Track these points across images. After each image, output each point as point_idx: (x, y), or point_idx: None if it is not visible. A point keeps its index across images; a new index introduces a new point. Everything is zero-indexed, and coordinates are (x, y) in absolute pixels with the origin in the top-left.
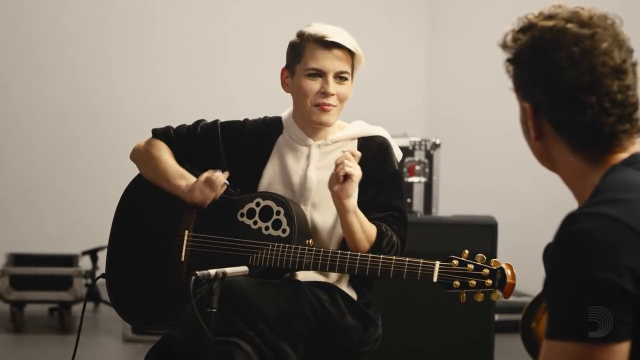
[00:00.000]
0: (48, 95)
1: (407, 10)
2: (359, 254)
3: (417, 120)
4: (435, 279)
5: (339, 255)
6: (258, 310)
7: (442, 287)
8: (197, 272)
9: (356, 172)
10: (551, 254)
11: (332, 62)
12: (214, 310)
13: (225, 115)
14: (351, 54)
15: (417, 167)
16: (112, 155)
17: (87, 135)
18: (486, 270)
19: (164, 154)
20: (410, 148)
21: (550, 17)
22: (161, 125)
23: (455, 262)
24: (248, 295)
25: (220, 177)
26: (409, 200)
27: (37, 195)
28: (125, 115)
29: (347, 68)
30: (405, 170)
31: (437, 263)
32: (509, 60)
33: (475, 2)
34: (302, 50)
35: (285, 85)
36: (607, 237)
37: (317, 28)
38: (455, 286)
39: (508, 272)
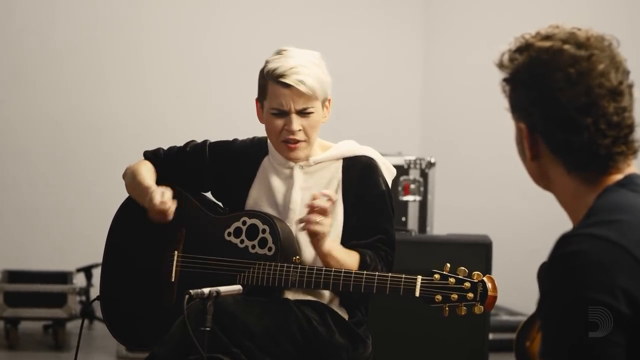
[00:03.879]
0: (42, 111)
1: (403, 30)
2: (343, 270)
3: (412, 139)
4: (417, 294)
5: (323, 272)
6: (244, 327)
7: (424, 302)
8: (190, 291)
9: (322, 229)
10: (545, 275)
11: (292, 101)
12: (208, 329)
13: (221, 130)
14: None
15: (412, 186)
16: (107, 172)
17: (82, 151)
18: (467, 284)
19: (145, 171)
20: (405, 167)
21: (547, 37)
22: (155, 141)
23: (437, 276)
24: (234, 312)
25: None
26: (403, 218)
27: (32, 212)
28: (120, 131)
29: (310, 103)
30: (400, 188)
31: (419, 278)
32: (505, 80)
33: (470, 24)
34: (265, 87)
35: (259, 116)
36: (600, 259)
37: (277, 62)
38: (437, 300)
39: (489, 284)
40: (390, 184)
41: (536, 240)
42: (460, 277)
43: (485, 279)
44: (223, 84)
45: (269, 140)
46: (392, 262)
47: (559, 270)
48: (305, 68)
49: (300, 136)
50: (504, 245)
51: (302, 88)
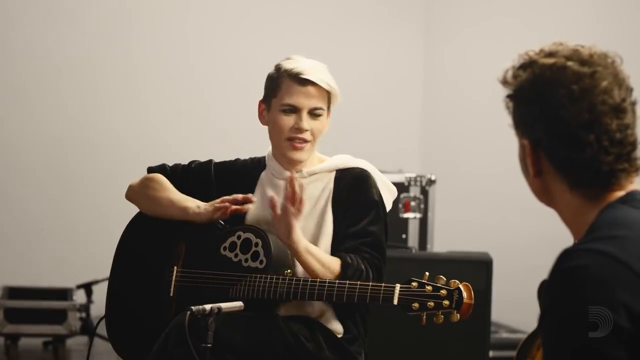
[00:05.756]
0: (42, 128)
1: (403, 47)
2: (327, 281)
3: (413, 156)
4: (395, 302)
5: (309, 283)
6: (226, 341)
7: (402, 310)
8: (192, 307)
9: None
10: (546, 290)
11: (306, 99)
12: (209, 345)
13: (219, 147)
14: (327, 90)
15: (413, 203)
16: (107, 189)
17: (82, 168)
18: (443, 292)
19: (164, 183)
20: (406, 184)
21: (550, 54)
22: (155, 157)
23: (415, 284)
24: (218, 328)
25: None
26: (404, 236)
27: (32, 229)
28: (120, 147)
29: (322, 104)
30: (400, 206)
31: (397, 286)
32: (508, 96)
33: (472, 42)
34: (278, 85)
35: (261, 118)
36: (602, 274)
37: (294, 63)
38: (414, 308)
39: (465, 292)
40: (390, 205)
41: (537, 258)
42: (437, 284)
43: (461, 286)
44: (222, 100)
45: (267, 155)
46: (382, 267)
47: (560, 285)
48: (322, 71)
49: (306, 136)
50: (505, 262)
51: (323, 85)
